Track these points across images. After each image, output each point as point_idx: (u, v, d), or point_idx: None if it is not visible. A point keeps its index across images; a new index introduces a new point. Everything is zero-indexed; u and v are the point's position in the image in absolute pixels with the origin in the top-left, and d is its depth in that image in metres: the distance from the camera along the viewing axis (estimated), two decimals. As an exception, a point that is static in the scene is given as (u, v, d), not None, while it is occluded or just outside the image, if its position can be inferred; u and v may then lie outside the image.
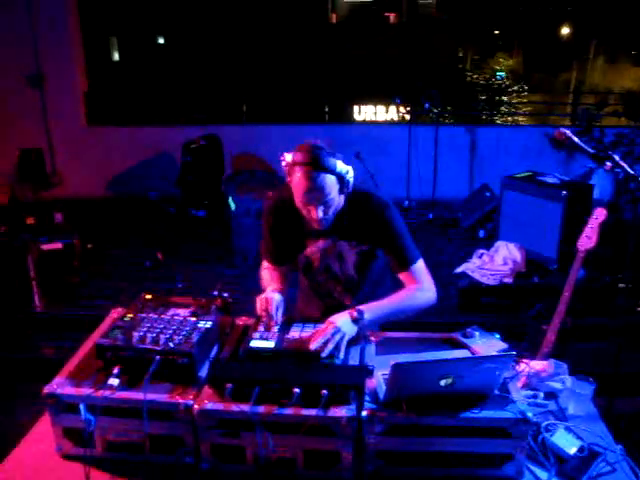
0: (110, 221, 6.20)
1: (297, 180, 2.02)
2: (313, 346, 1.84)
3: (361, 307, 2.02)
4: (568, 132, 2.31)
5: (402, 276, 2.19)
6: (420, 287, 2.16)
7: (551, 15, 23.60)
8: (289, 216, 2.20)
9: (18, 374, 3.86)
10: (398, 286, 2.22)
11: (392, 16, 24.23)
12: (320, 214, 2.05)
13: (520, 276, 4.45)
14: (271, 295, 2.06)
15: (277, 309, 2.03)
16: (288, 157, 2.04)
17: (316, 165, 1.98)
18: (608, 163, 2.22)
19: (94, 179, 6.92)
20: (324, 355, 1.83)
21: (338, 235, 2.22)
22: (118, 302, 2.28)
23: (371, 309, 2.04)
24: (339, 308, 2.10)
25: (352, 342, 1.94)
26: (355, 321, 1.97)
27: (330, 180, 2.01)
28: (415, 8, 23.58)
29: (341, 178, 2.04)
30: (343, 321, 1.95)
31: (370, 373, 1.80)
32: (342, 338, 1.89)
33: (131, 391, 1.72)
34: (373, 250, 2.25)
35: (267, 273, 2.34)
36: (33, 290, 4.35)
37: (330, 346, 1.85)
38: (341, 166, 2.03)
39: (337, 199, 2.07)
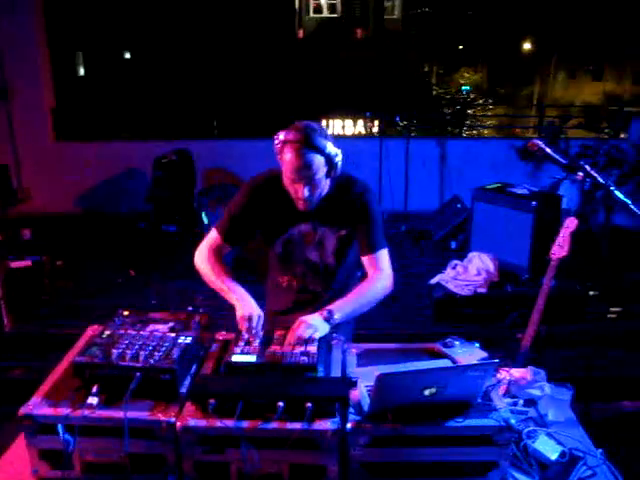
0: (80, 237, 6.08)
1: (287, 157, 2.05)
2: (289, 341, 1.91)
3: (330, 307, 2.07)
4: (541, 143, 2.37)
5: (366, 259, 2.23)
6: (380, 275, 2.20)
7: (513, 31, 24.18)
8: (275, 196, 2.20)
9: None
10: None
11: (359, 31, 24.48)
12: (306, 193, 2.08)
13: (494, 286, 4.50)
14: (251, 311, 2.05)
15: (258, 323, 2.03)
16: (281, 135, 2.08)
17: (307, 143, 2.02)
18: (580, 173, 2.28)
19: (63, 195, 6.79)
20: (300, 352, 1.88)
21: (320, 219, 2.23)
22: (90, 320, 2.22)
23: (339, 307, 2.09)
24: (311, 302, 2.28)
25: (327, 343, 1.99)
26: (326, 320, 2.02)
27: (319, 160, 2.05)
28: (382, 23, 23.87)
29: (329, 160, 2.08)
30: (315, 320, 2.00)
31: (353, 385, 1.80)
32: (315, 331, 1.95)
33: (111, 409, 1.69)
34: (351, 235, 2.27)
35: (209, 266, 2.23)
36: (1, 309, 4.23)
37: (307, 334, 1.92)
38: (331, 148, 2.07)
39: (324, 181, 2.11)
